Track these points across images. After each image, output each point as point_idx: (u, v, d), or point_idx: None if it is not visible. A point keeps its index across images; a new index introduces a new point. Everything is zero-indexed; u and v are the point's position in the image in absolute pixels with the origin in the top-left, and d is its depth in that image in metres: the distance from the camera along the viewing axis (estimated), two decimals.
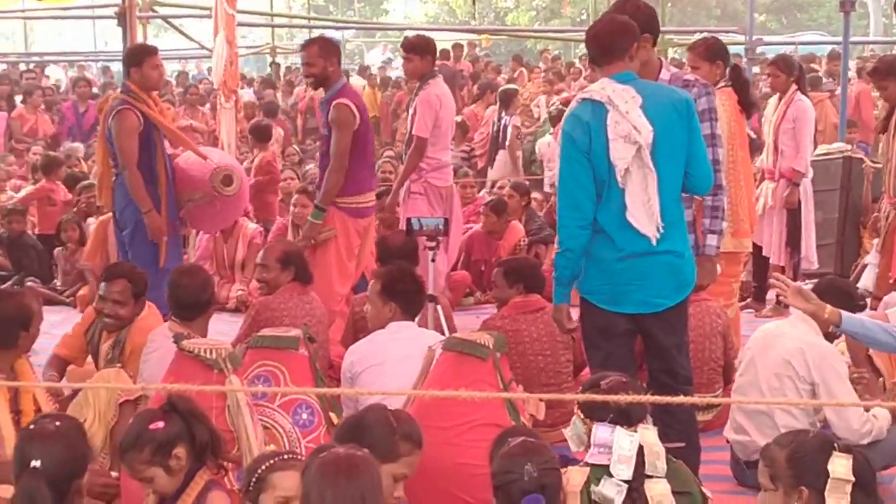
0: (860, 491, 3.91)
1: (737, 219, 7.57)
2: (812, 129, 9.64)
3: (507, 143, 14.60)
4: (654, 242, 5.23)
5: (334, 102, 7.81)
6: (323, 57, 7.92)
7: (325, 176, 7.83)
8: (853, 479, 3.90)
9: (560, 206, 5.36)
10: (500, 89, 15.86)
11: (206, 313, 6.43)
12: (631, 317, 5.38)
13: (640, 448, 4.35)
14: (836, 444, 4.01)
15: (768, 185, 9.77)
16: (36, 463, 3.86)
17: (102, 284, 6.58)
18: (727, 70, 7.77)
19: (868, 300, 9.83)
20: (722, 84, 7.64)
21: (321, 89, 8.11)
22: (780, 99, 9.57)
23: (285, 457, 4.21)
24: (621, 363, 5.22)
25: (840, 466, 3.92)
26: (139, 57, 8.25)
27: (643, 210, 5.21)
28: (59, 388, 5.88)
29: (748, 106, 7.77)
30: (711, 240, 5.86)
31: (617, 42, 5.31)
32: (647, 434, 4.38)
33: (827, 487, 3.91)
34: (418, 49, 8.89)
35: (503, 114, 14.58)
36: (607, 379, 4.49)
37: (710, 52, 7.73)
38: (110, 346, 6.59)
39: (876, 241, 9.48)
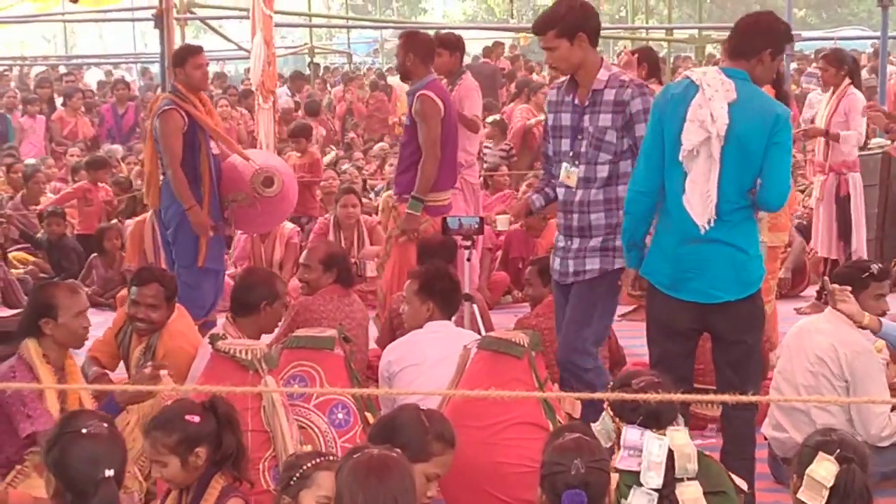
0: (838, 501, 3.92)
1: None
2: (863, 123, 9.55)
3: None
4: (702, 231, 5.18)
5: (417, 94, 7.86)
6: (404, 50, 8.05)
7: (420, 167, 7.83)
8: (830, 484, 3.91)
9: (635, 169, 5.47)
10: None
11: (257, 314, 6.46)
12: (693, 310, 5.31)
13: (670, 451, 4.31)
14: (838, 448, 4.00)
15: (819, 178, 9.73)
16: (109, 472, 3.86)
17: (134, 289, 6.60)
18: None
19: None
20: None
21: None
22: (832, 93, 9.48)
23: (331, 458, 4.22)
24: (676, 363, 5.24)
25: (822, 469, 3.94)
26: (182, 57, 8.40)
27: (700, 198, 5.18)
28: (107, 388, 5.89)
29: (784, 100, 7.71)
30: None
31: (749, 42, 5.29)
32: (677, 436, 4.34)
33: (802, 484, 3.96)
34: (449, 45, 9.02)
35: None
36: (639, 378, 4.47)
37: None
38: (142, 351, 6.58)
39: None
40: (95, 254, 11.33)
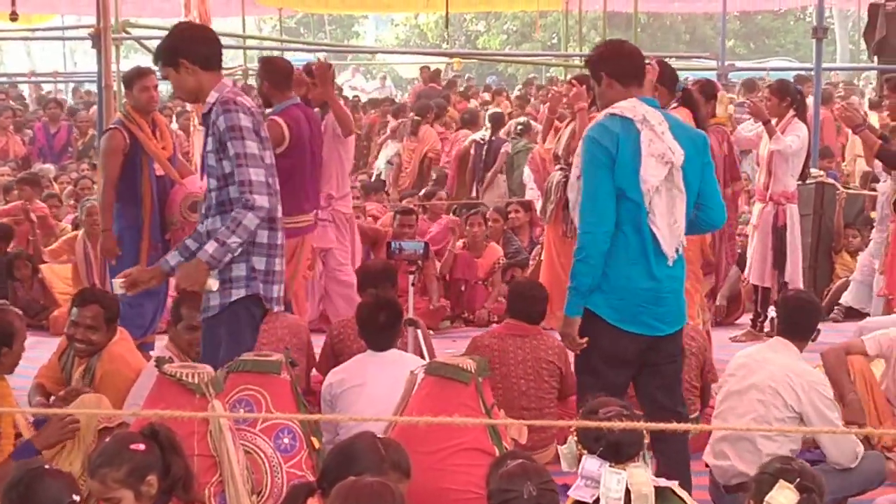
0: None
1: None
2: (804, 154, 9.68)
3: (496, 164, 14.67)
4: (670, 263, 5.32)
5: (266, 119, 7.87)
6: (260, 76, 8.29)
7: None
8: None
9: (585, 212, 5.33)
10: (490, 113, 15.93)
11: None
12: (641, 342, 5.39)
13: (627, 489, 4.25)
14: (798, 477, 4.08)
15: (758, 206, 9.85)
16: (76, 497, 3.96)
17: (74, 310, 6.52)
18: (678, 91, 7.79)
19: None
20: (675, 104, 7.66)
21: None
22: (777, 123, 9.60)
23: None
24: (617, 394, 5.18)
25: (782, 497, 4.02)
26: (130, 79, 8.45)
27: (668, 231, 5.28)
28: (43, 413, 5.82)
29: (701, 126, 7.79)
30: (211, 247, 5.46)
31: (642, 66, 5.45)
32: (637, 473, 4.26)
33: None
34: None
35: (493, 137, 14.69)
36: (607, 408, 4.45)
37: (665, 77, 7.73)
38: (81, 374, 6.51)
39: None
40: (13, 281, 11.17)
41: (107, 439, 4.55)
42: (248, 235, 5.45)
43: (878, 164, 10.23)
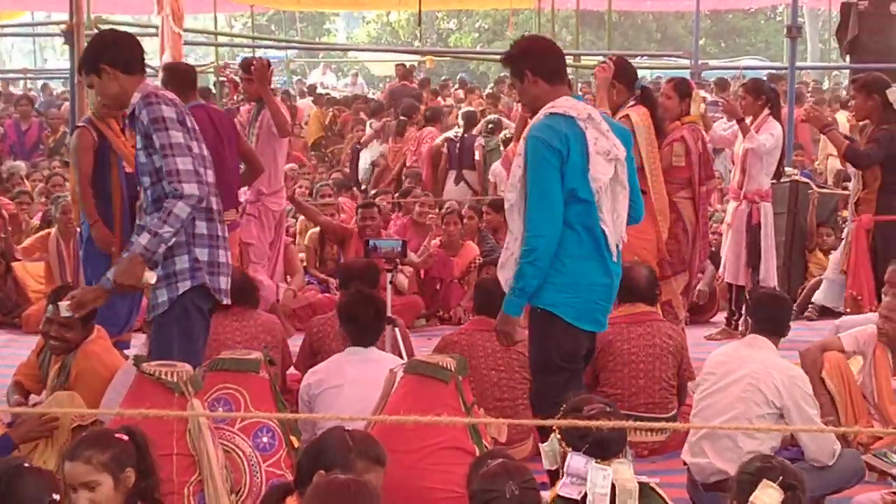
0: None
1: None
2: (779, 153, 9.71)
3: (474, 162, 14.70)
4: (615, 259, 5.40)
5: None
6: (164, 84, 8.31)
7: None
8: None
9: (535, 214, 5.29)
10: (463, 111, 15.89)
11: None
12: (590, 338, 5.51)
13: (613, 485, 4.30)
14: (780, 475, 4.09)
15: (732, 204, 9.86)
16: (56, 496, 3.95)
17: (49, 307, 6.49)
18: (636, 89, 7.78)
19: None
20: (633, 102, 7.67)
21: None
22: (752, 122, 9.61)
23: None
24: (579, 391, 5.25)
25: (766, 496, 4.03)
26: None
27: (613, 227, 5.33)
28: (18, 412, 5.79)
29: (658, 128, 7.81)
30: (143, 238, 5.36)
31: (565, 65, 5.56)
32: (622, 469, 4.32)
33: None
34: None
35: (465, 134, 14.67)
36: (591, 406, 4.47)
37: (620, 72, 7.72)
38: (56, 372, 6.47)
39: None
40: None
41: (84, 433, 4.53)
42: (179, 224, 5.37)
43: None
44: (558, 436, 4.47)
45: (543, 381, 5.53)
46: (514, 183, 5.39)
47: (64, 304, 5.62)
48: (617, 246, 5.40)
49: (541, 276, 5.29)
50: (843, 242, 9.06)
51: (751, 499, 3.99)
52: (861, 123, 9.42)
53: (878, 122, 8.62)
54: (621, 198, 5.37)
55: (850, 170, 9.28)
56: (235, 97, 9.19)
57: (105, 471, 4.22)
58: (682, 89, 8.65)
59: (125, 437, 4.30)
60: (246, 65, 9.37)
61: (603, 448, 4.33)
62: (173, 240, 5.38)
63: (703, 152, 8.59)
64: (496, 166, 13.70)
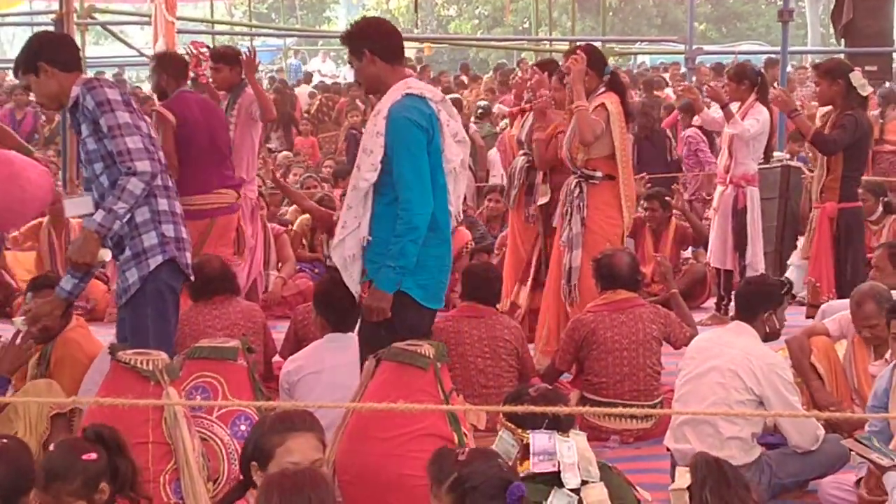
0: (702, 491, 4.12)
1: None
2: (765, 137, 9.70)
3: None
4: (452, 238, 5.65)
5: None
6: (157, 72, 8.54)
7: None
8: (687, 484, 4.15)
9: (415, 193, 5.32)
10: (449, 97, 15.83)
11: None
12: (433, 316, 5.74)
13: None
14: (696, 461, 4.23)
15: (719, 189, 9.84)
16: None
17: (29, 295, 6.48)
18: (606, 75, 7.74)
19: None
20: (603, 89, 7.64)
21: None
22: (739, 107, 9.58)
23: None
24: None
25: (679, 479, 4.22)
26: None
27: (455, 208, 5.59)
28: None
29: (627, 113, 7.78)
30: (98, 215, 5.40)
31: (402, 46, 5.61)
32: (579, 439, 4.47)
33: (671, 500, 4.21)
34: (227, 59, 9.28)
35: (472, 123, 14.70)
36: (534, 387, 4.64)
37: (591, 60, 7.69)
38: (36, 361, 6.42)
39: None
40: None
41: (52, 447, 4.44)
42: (134, 200, 5.41)
43: None
44: (509, 426, 4.53)
45: None
46: (374, 163, 5.38)
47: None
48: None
49: (417, 254, 5.37)
50: (808, 229, 9.05)
51: (670, 488, 4.24)
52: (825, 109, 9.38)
53: (842, 108, 8.58)
54: (461, 178, 5.55)
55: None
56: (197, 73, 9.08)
57: (77, 499, 4.18)
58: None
59: (93, 456, 4.22)
60: (217, 54, 9.33)
61: (558, 422, 4.46)
62: (128, 216, 5.42)
63: None
64: (492, 152, 13.71)
